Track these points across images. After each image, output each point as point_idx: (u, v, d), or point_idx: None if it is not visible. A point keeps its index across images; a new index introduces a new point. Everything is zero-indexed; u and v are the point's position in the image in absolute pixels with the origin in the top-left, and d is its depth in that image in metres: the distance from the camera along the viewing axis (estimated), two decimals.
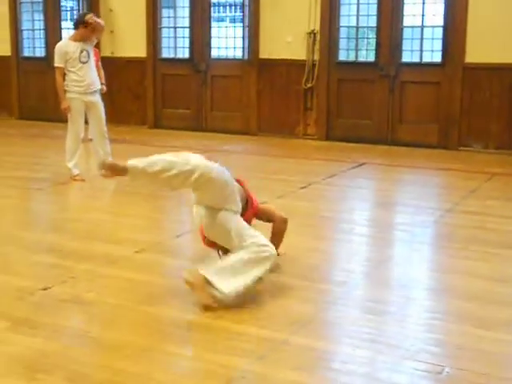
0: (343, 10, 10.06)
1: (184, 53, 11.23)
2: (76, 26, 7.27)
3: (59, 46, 7.23)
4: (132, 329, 3.43)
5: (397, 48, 9.69)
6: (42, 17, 12.29)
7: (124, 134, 10.11)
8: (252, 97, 10.60)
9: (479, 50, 9.13)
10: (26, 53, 12.52)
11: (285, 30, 10.13)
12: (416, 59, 9.72)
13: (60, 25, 12.13)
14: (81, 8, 11.69)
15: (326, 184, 7.21)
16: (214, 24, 11.13)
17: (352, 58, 10.17)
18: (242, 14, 10.91)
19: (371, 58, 9.99)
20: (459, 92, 9.33)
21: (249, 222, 4.09)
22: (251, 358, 3.10)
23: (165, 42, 11.36)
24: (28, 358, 3.11)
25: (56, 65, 7.20)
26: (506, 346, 3.33)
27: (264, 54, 10.40)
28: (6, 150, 9.26)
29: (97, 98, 7.36)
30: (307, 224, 5.60)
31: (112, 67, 10.69)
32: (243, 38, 10.68)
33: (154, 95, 11.37)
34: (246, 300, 3.77)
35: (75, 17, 7.26)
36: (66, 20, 12.37)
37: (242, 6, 10.76)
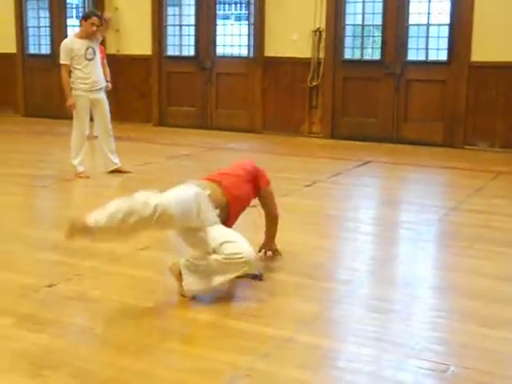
0: (349, 8, 10.05)
1: (189, 50, 11.23)
2: (80, 22, 7.29)
3: (65, 43, 7.24)
4: (136, 326, 3.43)
5: (402, 46, 9.68)
6: (47, 14, 12.31)
7: (129, 132, 10.11)
8: (257, 95, 10.60)
9: (485, 49, 9.11)
10: (32, 50, 12.53)
11: (290, 27, 10.12)
12: (422, 57, 9.70)
13: (65, 22, 12.15)
14: (86, 6, 11.69)
15: (331, 182, 7.20)
16: (219, 22, 11.13)
17: (357, 56, 10.16)
18: (247, 11, 10.91)
19: (377, 56, 9.98)
20: (465, 90, 9.32)
21: (236, 215, 4.09)
22: (256, 356, 3.10)
23: (170, 40, 11.37)
24: (33, 355, 3.12)
25: (61, 62, 7.21)
26: (511, 344, 3.32)
27: (269, 51, 10.39)
28: (11, 147, 9.27)
29: (102, 96, 7.37)
30: (312, 222, 5.59)
31: (117, 65, 10.71)
32: (248, 35, 10.68)
33: (159, 93, 11.37)
34: (251, 298, 3.77)
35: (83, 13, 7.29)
36: (72, 17, 12.38)
37: (248, 3, 10.76)
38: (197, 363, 3.07)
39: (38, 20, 12.45)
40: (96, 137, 7.93)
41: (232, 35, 11.04)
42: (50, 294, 3.87)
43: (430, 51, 9.65)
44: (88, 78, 7.18)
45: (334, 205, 6.32)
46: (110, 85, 8.09)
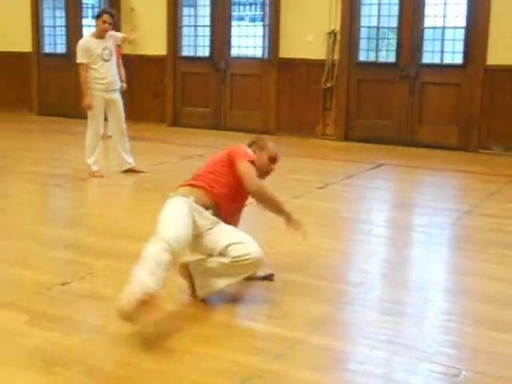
0: (364, 11, 10.04)
1: (204, 51, 11.25)
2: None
3: (81, 43, 7.27)
4: (149, 325, 3.44)
5: (417, 49, 9.65)
6: (63, 13, 12.36)
7: (143, 132, 10.15)
8: (271, 96, 10.61)
9: (501, 52, 9.07)
10: (47, 49, 12.60)
11: (305, 29, 10.12)
12: (437, 60, 9.68)
13: (81, 22, 12.20)
14: (102, 5, 11.74)
15: (344, 184, 7.20)
16: (234, 23, 11.14)
17: (372, 58, 10.14)
18: (262, 13, 10.92)
19: (391, 58, 9.96)
20: (480, 94, 9.28)
21: (233, 209, 3.99)
22: (268, 357, 3.11)
23: (185, 41, 11.40)
24: (46, 352, 3.14)
25: (79, 61, 7.23)
26: None
27: (284, 53, 10.40)
28: (25, 146, 9.33)
29: (117, 96, 7.40)
30: (325, 224, 5.60)
31: (132, 65, 10.75)
32: (263, 36, 10.69)
33: (174, 93, 11.40)
34: (264, 299, 3.78)
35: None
36: (87, 17, 12.44)
37: (263, 5, 10.77)
38: (209, 363, 3.08)
39: (54, 19, 12.52)
40: (110, 136, 7.96)
41: (247, 36, 11.05)
42: (64, 292, 3.90)
43: (445, 54, 9.62)
44: (104, 79, 7.21)
45: (346, 207, 6.32)
46: (124, 85, 8.12)
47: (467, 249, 5.00)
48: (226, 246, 3.61)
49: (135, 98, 11.06)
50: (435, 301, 4.04)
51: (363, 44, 10.17)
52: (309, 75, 10.27)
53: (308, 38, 10.12)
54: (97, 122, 7.34)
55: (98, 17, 7.30)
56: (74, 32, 12.09)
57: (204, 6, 11.19)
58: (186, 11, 11.36)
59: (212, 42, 11.10)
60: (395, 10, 9.76)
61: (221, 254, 3.63)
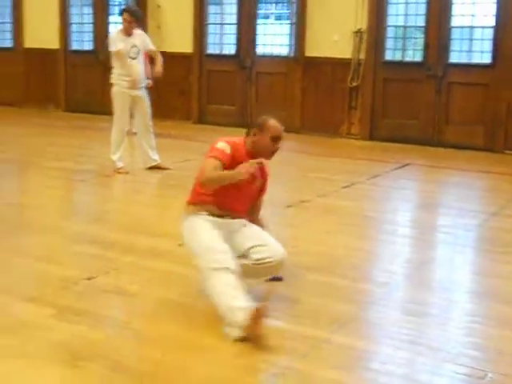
0: (391, 10, 9.99)
1: (230, 49, 11.27)
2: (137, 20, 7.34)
3: (112, 36, 7.31)
4: (174, 322, 3.46)
5: (445, 48, 9.58)
6: (90, 10, 12.44)
7: (169, 129, 10.19)
8: (296, 94, 10.59)
9: None
10: (75, 46, 12.68)
11: (331, 28, 10.09)
12: (464, 60, 9.61)
13: (108, 19, 12.27)
14: (129, 2, 11.79)
15: (370, 184, 7.17)
16: (260, 21, 11.14)
17: (398, 57, 10.09)
18: (288, 11, 10.91)
19: (418, 57, 9.91)
20: (507, 94, 9.19)
21: (243, 205, 3.84)
22: (292, 355, 3.11)
23: (211, 38, 11.42)
24: (72, 346, 3.17)
25: (114, 49, 7.21)
26: None
27: (309, 51, 10.37)
28: (51, 142, 9.42)
29: (143, 93, 7.44)
30: (349, 223, 5.58)
31: None
32: (289, 35, 10.68)
33: (199, 91, 11.43)
34: (289, 298, 3.79)
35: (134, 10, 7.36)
36: (114, 14, 12.50)
37: (289, 3, 10.76)
38: (234, 360, 3.09)
39: (81, 16, 12.61)
40: (135, 133, 8.00)
41: (273, 34, 11.05)
42: (89, 287, 3.93)
43: (472, 54, 9.54)
44: (130, 76, 7.24)
45: (372, 206, 6.29)
46: (150, 82, 8.10)
47: (492, 251, 4.97)
48: (249, 248, 3.61)
49: (161, 96, 11.10)
50: (459, 302, 4.02)
51: (390, 43, 10.12)
52: (334, 74, 10.24)
53: (334, 36, 10.08)
54: (122, 119, 7.38)
55: (120, 15, 7.37)
56: (100, 29, 12.17)
57: (230, 3, 11.20)
58: (212, 9, 11.38)
59: (238, 40, 11.11)
60: (422, 9, 9.70)
61: (243, 256, 3.62)
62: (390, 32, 10.07)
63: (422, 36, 9.84)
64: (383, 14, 9.91)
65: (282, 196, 6.53)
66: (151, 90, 7.72)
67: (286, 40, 10.78)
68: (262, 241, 3.65)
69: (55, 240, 4.93)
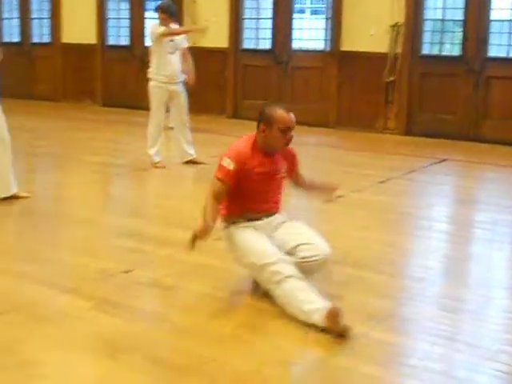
0: (428, 3, 9.89)
1: (265, 44, 11.26)
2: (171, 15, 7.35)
3: (153, 27, 7.34)
4: (210, 315, 3.48)
5: (483, 42, 9.46)
6: (127, 6, 12.53)
7: (204, 124, 10.21)
8: (332, 89, 10.54)
9: None
10: (111, 41, 12.78)
11: (367, 22, 10.02)
12: (503, 54, 9.47)
13: (144, 14, 12.33)
14: None
15: (406, 179, 7.12)
16: (296, 15, 11.11)
17: (436, 51, 9.98)
18: (324, 5, 10.86)
19: (456, 51, 9.79)
20: None
21: (269, 198, 3.85)
22: (328, 350, 3.11)
23: (247, 33, 11.41)
24: (109, 338, 3.20)
25: (158, 32, 7.20)
26: None
27: (345, 46, 10.32)
28: (88, 136, 9.51)
29: (180, 88, 7.47)
30: (386, 219, 5.56)
31: (194, 57, 10.78)
32: (325, 29, 10.63)
33: (235, 86, 11.44)
34: (325, 293, 3.76)
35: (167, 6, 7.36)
36: (151, 10, 12.56)
37: None
38: (269, 354, 3.09)
39: (118, 12, 12.69)
40: (171, 128, 8.03)
41: (309, 29, 11.01)
42: (126, 280, 3.96)
43: None
44: (167, 70, 7.28)
45: (408, 202, 6.24)
46: (187, 77, 8.04)
47: None
48: (295, 246, 3.63)
49: (196, 90, 11.13)
50: (497, 299, 3.97)
51: (427, 37, 10.01)
52: (370, 68, 10.16)
53: (370, 30, 10.01)
54: (159, 113, 7.42)
55: (156, 11, 7.41)
56: (137, 24, 12.26)
57: None
58: (248, 3, 11.37)
59: (274, 34, 11.09)
60: (461, 2, 9.57)
61: (288, 253, 3.62)
62: (427, 25, 9.96)
63: (460, 30, 9.72)
64: (421, 8, 9.81)
65: None
66: (187, 84, 7.74)
67: (321, 34, 10.73)
68: (308, 239, 3.67)
69: (93, 233, 4.99)
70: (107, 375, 2.89)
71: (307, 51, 10.98)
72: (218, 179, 3.62)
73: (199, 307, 3.58)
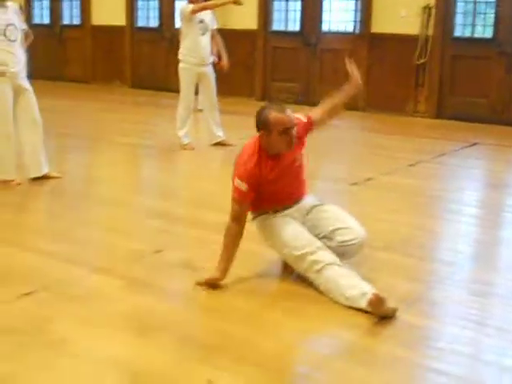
0: None
1: (295, 26, 11.20)
2: None
3: (183, 7, 7.30)
4: (240, 296, 3.50)
5: None
6: None
7: (232, 106, 10.20)
8: (362, 72, 10.34)
9: None
10: (140, 23, 12.80)
11: (399, 3, 9.92)
12: None
13: None
14: None
15: (436, 163, 7.06)
16: None
17: (468, 33, 9.86)
18: None
19: (488, 34, 9.66)
20: None
21: (294, 185, 3.84)
22: (358, 331, 3.13)
23: (276, 15, 11.36)
24: (140, 316, 3.25)
25: (188, 10, 7.14)
26: None
27: (376, 28, 10.23)
28: (118, 117, 9.57)
29: (209, 70, 7.47)
30: (415, 202, 5.53)
31: (223, 39, 10.78)
32: (355, 11, 10.54)
33: (264, 68, 11.41)
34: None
35: None
36: None
37: None
38: (299, 335, 3.12)
39: None
40: (200, 110, 8.04)
41: (338, 11, 10.91)
42: (157, 260, 4.01)
43: None
44: (197, 52, 7.28)
45: (437, 186, 6.20)
46: (216, 59, 8.03)
47: None
48: (333, 231, 3.64)
49: (225, 72, 11.12)
50: None
51: (459, 19, 9.88)
52: (401, 51, 10.07)
53: (401, 12, 9.91)
54: (189, 95, 7.43)
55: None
56: (166, 6, 12.25)
57: None
58: None
59: (303, 16, 11.02)
60: None
61: (325, 237, 3.64)
62: (459, 7, 9.83)
63: (493, 11, 9.58)
64: None
65: (347, 174, 6.50)
66: (216, 66, 7.75)
67: (351, 16, 10.64)
68: (344, 223, 3.68)
69: (124, 213, 5.04)
70: (136, 354, 2.92)
71: (336, 33, 10.89)
72: (236, 200, 3.63)
73: (229, 288, 3.59)
